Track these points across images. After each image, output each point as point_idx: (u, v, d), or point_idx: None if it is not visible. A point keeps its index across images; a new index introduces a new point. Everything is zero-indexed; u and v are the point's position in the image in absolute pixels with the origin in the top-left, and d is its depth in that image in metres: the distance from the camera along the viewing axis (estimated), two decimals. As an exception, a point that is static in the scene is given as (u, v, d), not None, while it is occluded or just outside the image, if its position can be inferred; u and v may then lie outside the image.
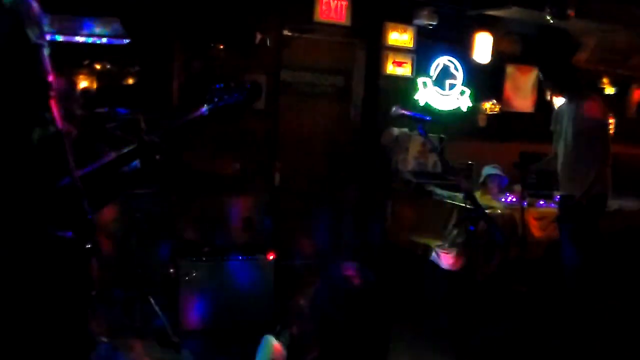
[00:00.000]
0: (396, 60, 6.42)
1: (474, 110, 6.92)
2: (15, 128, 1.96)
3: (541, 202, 5.68)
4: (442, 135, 6.13)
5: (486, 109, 7.01)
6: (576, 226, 4.79)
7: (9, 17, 1.92)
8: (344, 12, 6.07)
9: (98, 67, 5.19)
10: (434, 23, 6.31)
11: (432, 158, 6.17)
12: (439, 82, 6.66)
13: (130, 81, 5.30)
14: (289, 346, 2.99)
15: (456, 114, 6.75)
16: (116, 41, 4.97)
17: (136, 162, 2.24)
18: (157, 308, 4.26)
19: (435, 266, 5.34)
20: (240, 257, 4.71)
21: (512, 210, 5.31)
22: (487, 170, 5.91)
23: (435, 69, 6.64)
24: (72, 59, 4.99)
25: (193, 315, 4.47)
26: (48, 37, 2.10)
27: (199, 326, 4.49)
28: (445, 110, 6.69)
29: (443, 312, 4.97)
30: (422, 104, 6.54)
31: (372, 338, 2.52)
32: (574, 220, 4.80)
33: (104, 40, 4.93)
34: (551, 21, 6.13)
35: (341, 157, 6.36)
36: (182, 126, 2.24)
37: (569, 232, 4.85)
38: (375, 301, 2.41)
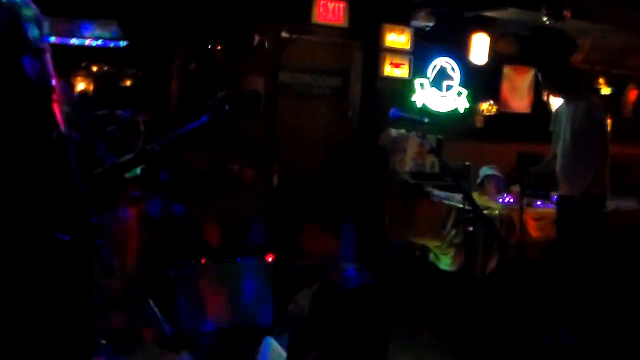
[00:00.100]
0: (393, 61, 6.44)
1: (471, 111, 6.95)
2: (18, 132, 1.97)
3: (538, 203, 5.69)
4: (440, 136, 6.15)
5: (483, 109, 7.04)
6: (576, 226, 4.80)
7: (7, 16, 1.93)
8: (341, 13, 6.08)
9: (96, 69, 5.20)
10: (431, 24, 6.34)
11: (430, 159, 6.19)
12: (436, 83, 6.68)
13: (129, 83, 5.30)
14: (288, 347, 3.01)
15: (453, 115, 6.78)
16: (114, 43, 4.98)
17: (137, 169, 2.26)
18: (156, 310, 4.27)
19: (434, 267, 5.36)
20: (239, 259, 4.71)
21: (510, 211, 5.33)
22: (485, 171, 5.93)
23: (432, 70, 6.66)
24: (70, 61, 5.00)
25: (192, 317, 4.47)
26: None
27: (198, 328, 4.49)
28: (442, 112, 6.72)
29: (442, 313, 4.99)
30: (419, 105, 6.56)
31: (371, 338, 2.53)
32: (574, 220, 4.81)
33: (102, 42, 4.94)
34: (547, 22, 6.15)
35: (339, 158, 6.38)
36: (184, 135, 2.26)
37: (568, 232, 4.87)
38: (374, 302, 2.43)
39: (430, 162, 6.23)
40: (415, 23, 6.37)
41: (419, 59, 6.57)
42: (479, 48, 6.65)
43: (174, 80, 5.45)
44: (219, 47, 5.53)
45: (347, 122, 6.49)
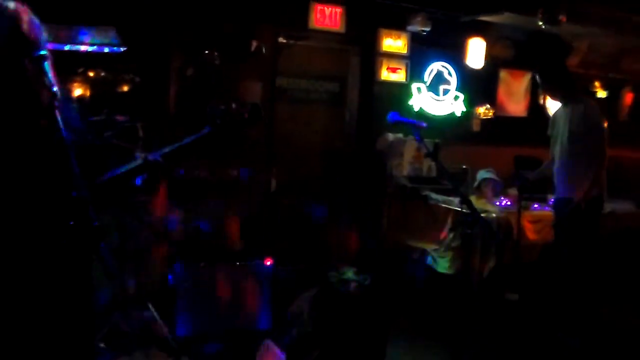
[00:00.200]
0: (390, 66, 6.47)
1: (468, 115, 6.98)
2: (20, 137, 1.99)
3: (535, 206, 5.72)
4: (437, 140, 6.17)
5: (480, 113, 7.08)
6: (574, 229, 4.82)
7: (8, 22, 1.95)
8: (338, 19, 6.11)
9: (95, 75, 5.22)
10: (428, 29, 6.36)
11: (427, 163, 6.22)
12: (433, 87, 6.72)
13: (127, 89, 5.32)
14: (287, 349, 3.03)
15: (450, 119, 6.81)
16: (112, 49, 5.00)
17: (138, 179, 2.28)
18: (155, 314, 4.28)
19: (432, 270, 5.38)
20: (238, 263, 4.73)
21: (507, 214, 5.35)
22: (482, 174, 5.96)
23: (429, 75, 6.70)
24: (69, 67, 5.02)
25: (191, 320, 4.48)
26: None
27: (197, 331, 4.50)
28: (439, 116, 6.75)
29: (440, 316, 5.01)
30: (416, 109, 6.59)
31: (370, 340, 2.56)
32: (572, 223, 4.83)
33: (100, 48, 4.96)
34: (543, 26, 6.19)
35: (337, 162, 6.40)
36: (185, 147, 2.28)
37: (567, 235, 4.88)
38: (373, 304, 2.45)
39: (427, 166, 6.25)
40: (411, 28, 6.40)
41: (415, 63, 6.60)
42: (475, 52, 6.68)
43: (172, 86, 5.47)
44: (216, 53, 5.56)
45: (345, 126, 6.52)
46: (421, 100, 6.63)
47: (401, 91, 6.56)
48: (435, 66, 6.73)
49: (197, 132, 2.41)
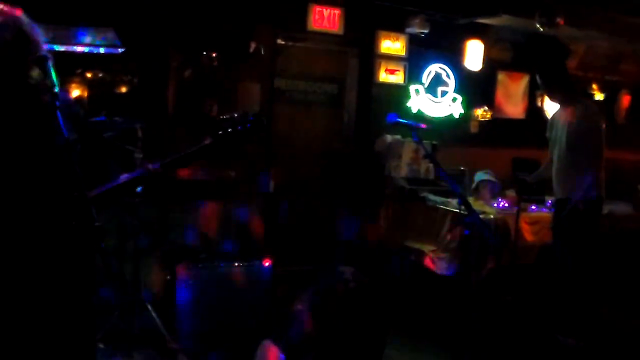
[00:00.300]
0: (389, 68, 6.49)
1: (466, 117, 7.00)
2: (22, 139, 2.00)
3: (533, 207, 5.74)
4: (435, 142, 6.19)
5: (478, 115, 7.10)
6: (573, 230, 4.84)
7: (15, 29, 1.97)
8: (336, 21, 6.13)
9: (93, 76, 5.23)
10: (426, 31, 6.37)
11: (425, 164, 6.23)
12: (431, 89, 6.74)
13: (126, 90, 5.33)
14: (286, 349, 3.03)
15: (448, 120, 6.83)
16: (110, 50, 5.01)
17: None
18: (154, 314, 4.29)
19: (430, 271, 5.39)
20: (237, 263, 4.74)
21: (505, 215, 5.37)
22: (480, 176, 5.97)
23: (427, 77, 6.71)
24: (67, 68, 5.02)
25: (190, 321, 4.49)
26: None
27: (196, 332, 4.51)
28: (437, 117, 6.77)
29: (438, 317, 5.02)
30: (414, 111, 6.60)
31: (368, 340, 2.56)
32: (572, 224, 4.84)
33: (100, 49, 4.97)
34: (541, 29, 6.21)
35: (335, 164, 6.42)
36: (186, 157, 2.28)
37: (566, 236, 4.90)
38: (371, 304, 2.46)
39: (425, 168, 6.27)
40: (410, 30, 6.41)
41: (414, 65, 6.62)
42: (474, 54, 6.70)
43: (171, 87, 5.49)
44: (215, 54, 5.57)
45: (343, 128, 6.53)
46: (419, 102, 6.65)
47: (399, 93, 6.58)
48: (434, 68, 6.75)
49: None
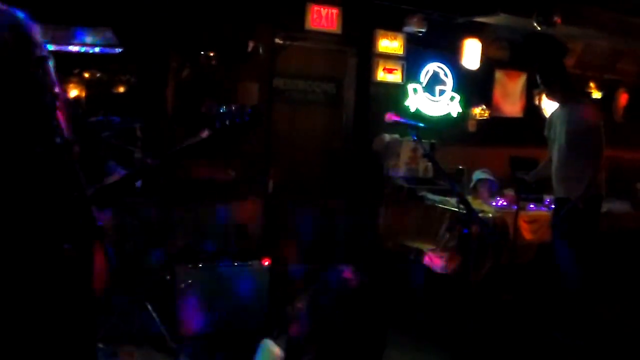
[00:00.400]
0: (387, 67, 6.49)
1: (464, 116, 7.01)
2: (23, 139, 2.00)
3: (531, 206, 5.75)
4: (433, 141, 6.19)
5: (476, 114, 7.10)
6: (573, 229, 4.84)
7: (16, 29, 1.97)
8: (334, 20, 6.13)
9: (92, 76, 5.22)
10: (424, 30, 6.38)
11: (423, 163, 6.23)
12: (429, 88, 6.74)
13: (124, 90, 5.33)
14: (286, 348, 3.03)
15: (446, 119, 6.83)
16: (109, 50, 5.01)
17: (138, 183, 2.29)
18: (154, 314, 4.29)
19: (429, 270, 5.40)
20: (236, 263, 4.74)
21: (503, 214, 5.38)
22: (478, 174, 5.99)
23: (425, 76, 6.72)
24: (65, 68, 5.02)
25: (189, 321, 4.49)
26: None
27: (196, 332, 4.51)
28: (435, 116, 6.77)
29: (437, 316, 5.03)
30: (412, 110, 6.61)
31: (368, 339, 2.56)
32: (571, 223, 4.85)
33: (97, 49, 4.97)
34: (539, 28, 6.22)
35: (334, 163, 6.42)
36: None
37: (565, 235, 4.91)
38: (371, 303, 2.46)
39: (424, 167, 6.27)
40: (407, 29, 6.42)
41: (412, 64, 6.62)
42: (471, 53, 6.71)
43: (169, 87, 5.48)
44: (213, 54, 5.57)
45: (342, 127, 6.53)
46: (417, 101, 6.65)
47: (397, 92, 6.58)
48: (431, 67, 6.75)
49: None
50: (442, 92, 6.82)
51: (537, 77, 5.21)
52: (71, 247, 1.87)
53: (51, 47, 4.44)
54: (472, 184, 5.99)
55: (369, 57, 6.44)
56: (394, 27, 6.45)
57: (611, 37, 7.10)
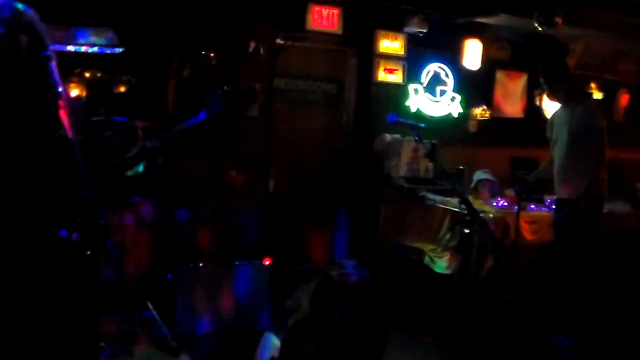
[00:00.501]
0: (387, 67, 6.50)
1: (464, 116, 7.01)
2: (27, 137, 2.01)
3: (532, 206, 5.75)
4: (434, 141, 6.18)
5: (477, 114, 7.10)
6: (574, 229, 4.84)
7: (28, 32, 1.98)
8: (335, 20, 6.13)
9: (93, 76, 5.23)
10: (425, 30, 6.39)
11: (424, 163, 6.24)
12: (430, 88, 6.74)
13: (126, 89, 5.34)
14: (284, 340, 3.03)
15: (447, 120, 6.84)
16: (110, 50, 5.01)
17: (140, 167, 2.30)
18: (155, 313, 4.30)
19: (429, 270, 5.40)
20: (237, 263, 4.75)
21: (504, 215, 5.38)
22: (479, 175, 5.99)
23: (426, 76, 6.72)
24: (67, 68, 5.03)
25: (191, 320, 4.50)
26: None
27: (197, 331, 4.52)
28: (436, 117, 6.77)
29: (438, 315, 5.03)
30: (413, 110, 6.61)
31: (369, 333, 2.57)
32: (572, 223, 4.85)
33: (98, 49, 4.97)
34: (539, 28, 6.22)
35: (334, 163, 6.43)
36: (183, 132, 2.30)
37: (566, 235, 4.91)
38: (372, 297, 2.47)
39: (425, 167, 6.28)
40: (408, 29, 6.42)
41: (412, 64, 6.62)
42: (472, 54, 6.72)
43: (170, 86, 5.49)
44: (214, 54, 5.58)
45: (342, 127, 6.54)
46: (418, 101, 6.66)
47: (398, 92, 6.58)
48: (432, 67, 6.75)
49: (193, 115, 2.43)
50: (443, 92, 6.82)
51: (540, 77, 5.20)
52: (72, 237, 1.87)
53: (53, 47, 4.46)
54: (473, 185, 6.00)
55: (369, 58, 6.44)
56: (394, 27, 6.46)
57: (612, 38, 7.10)
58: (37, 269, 1.99)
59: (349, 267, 2.33)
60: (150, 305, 4.32)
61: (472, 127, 7.14)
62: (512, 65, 7.35)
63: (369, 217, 6.19)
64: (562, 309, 4.97)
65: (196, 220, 5.29)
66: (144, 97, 5.34)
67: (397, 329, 4.67)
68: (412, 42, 6.55)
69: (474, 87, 7.00)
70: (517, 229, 5.20)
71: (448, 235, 5.36)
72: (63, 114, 1.94)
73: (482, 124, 7.15)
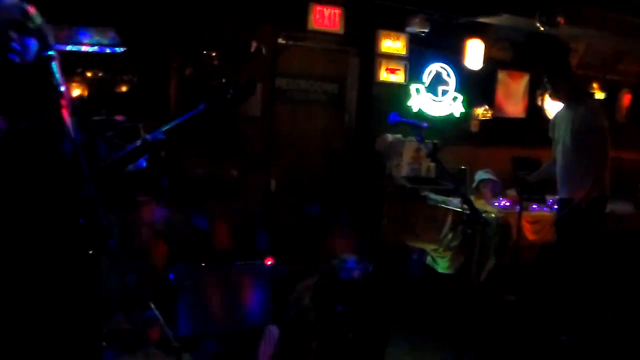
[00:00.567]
0: (389, 67, 6.49)
1: (466, 116, 7.01)
2: (30, 137, 2.01)
3: (534, 206, 5.75)
4: (435, 141, 6.16)
5: (478, 114, 7.10)
6: (576, 229, 4.84)
7: (37, 37, 1.99)
8: (337, 20, 6.13)
9: (95, 75, 5.23)
10: (426, 30, 6.38)
11: (426, 163, 6.24)
12: (432, 88, 6.74)
13: (127, 89, 5.33)
14: (285, 333, 3.02)
15: (449, 119, 6.83)
16: (112, 50, 5.02)
17: (142, 162, 2.29)
18: (156, 313, 4.29)
19: (431, 270, 5.40)
20: (238, 263, 4.74)
21: (506, 215, 5.38)
22: (480, 175, 5.98)
23: (428, 76, 6.72)
24: (69, 67, 5.02)
25: (192, 320, 4.49)
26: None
27: (198, 331, 4.51)
28: (438, 116, 6.77)
29: (440, 315, 5.02)
30: (415, 110, 6.61)
31: (371, 329, 2.56)
32: (574, 223, 4.84)
33: (100, 48, 4.97)
34: (541, 28, 6.22)
35: (336, 163, 6.43)
36: (183, 123, 2.30)
37: (568, 235, 4.90)
38: (374, 292, 2.47)
39: (426, 167, 6.28)
40: (410, 29, 6.42)
41: (414, 64, 6.62)
42: (474, 53, 6.71)
43: (172, 86, 5.49)
44: (216, 53, 5.57)
45: (344, 127, 6.53)
46: (420, 101, 6.66)
47: (400, 92, 6.58)
48: (434, 67, 6.75)
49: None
50: (444, 92, 6.82)
51: (545, 78, 5.18)
52: (77, 242, 1.87)
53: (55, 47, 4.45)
54: (474, 184, 5.99)
55: (371, 57, 6.44)
56: (396, 27, 6.46)
57: (613, 38, 7.09)
58: (39, 268, 1.99)
59: (350, 261, 2.33)
60: (152, 305, 4.31)
61: (473, 127, 7.14)
62: (514, 65, 7.35)
63: (371, 217, 6.19)
64: (565, 309, 4.97)
65: (197, 219, 5.29)
66: (146, 96, 5.34)
67: (399, 328, 4.67)
68: (414, 42, 6.55)
69: (475, 87, 7.00)
70: (519, 229, 5.19)
71: (450, 235, 5.36)
72: (65, 113, 1.94)
73: (484, 124, 7.15)
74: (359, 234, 6.22)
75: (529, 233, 5.42)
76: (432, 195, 5.81)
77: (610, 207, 5.62)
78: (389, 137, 6.27)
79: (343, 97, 6.54)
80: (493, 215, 5.35)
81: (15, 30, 2.00)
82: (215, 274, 4.63)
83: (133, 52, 5.11)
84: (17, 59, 2.00)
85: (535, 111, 7.55)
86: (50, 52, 2.03)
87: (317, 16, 6.04)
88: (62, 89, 1.97)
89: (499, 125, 7.24)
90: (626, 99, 8.37)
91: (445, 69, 6.80)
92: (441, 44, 6.71)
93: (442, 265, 5.32)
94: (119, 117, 4.47)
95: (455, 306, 4.70)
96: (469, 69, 6.78)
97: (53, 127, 1.95)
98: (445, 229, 5.43)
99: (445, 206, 5.54)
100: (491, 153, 6.78)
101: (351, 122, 6.54)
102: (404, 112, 6.30)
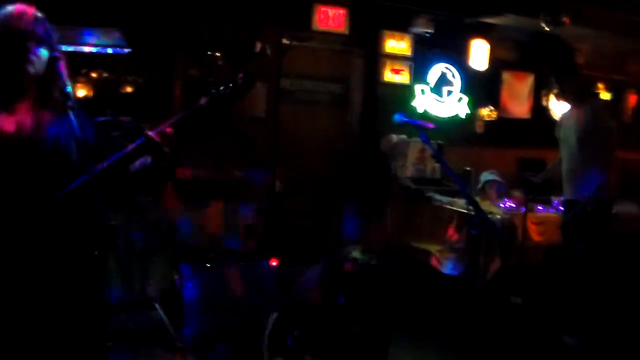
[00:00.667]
0: (394, 67, 6.49)
1: (471, 117, 7.00)
2: (36, 137, 2.01)
3: (540, 207, 5.73)
4: (440, 142, 6.18)
5: (483, 115, 7.09)
6: (582, 231, 4.82)
7: (47, 45, 1.99)
8: (342, 20, 6.13)
9: (100, 76, 5.24)
10: (431, 31, 6.38)
11: (431, 164, 6.23)
12: (437, 89, 6.73)
13: (133, 90, 5.35)
14: (277, 319, 3.00)
15: (454, 120, 6.82)
16: (117, 50, 5.03)
17: (147, 159, 2.28)
18: (162, 313, 4.30)
19: (436, 271, 5.38)
20: (244, 263, 4.74)
21: (512, 216, 5.36)
22: (486, 176, 5.96)
23: (432, 76, 6.71)
24: (74, 68, 5.03)
25: (198, 320, 4.49)
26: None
27: (203, 331, 4.51)
28: (443, 117, 6.76)
29: (445, 316, 5.01)
30: (420, 110, 6.60)
31: (374, 321, 2.56)
32: (580, 225, 4.83)
33: (106, 50, 4.98)
34: (547, 28, 6.20)
35: (341, 163, 6.42)
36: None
37: (575, 237, 4.88)
38: (378, 285, 2.46)
39: (431, 168, 6.27)
40: (415, 29, 6.42)
41: (419, 65, 6.62)
42: (479, 54, 6.70)
43: (177, 87, 5.50)
44: (220, 54, 5.58)
45: (349, 127, 6.53)
46: (425, 101, 6.65)
47: (405, 93, 6.57)
48: (439, 68, 6.74)
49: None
50: (449, 93, 6.81)
51: (553, 78, 5.16)
52: (85, 243, 1.87)
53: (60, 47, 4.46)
54: (479, 185, 5.97)
55: (376, 58, 6.44)
56: (401, 27, 6.46)
57: (618, 38, 7.07)
58: (46, 269, 1.99)
59: (354, 253, 2.33)
60: (157, 305, 4.32)
61: (478, 128, 7.13)
62: (519, 65, 7.34)
63: (376, 218, 6.18)
64: (570, 311, 4.95)
65: (202, 220, 5.29)
66: (151, 97, 5.35)
67: (404, 329, 4.66)
68: (419, 43, 6.55)
69: (480, 88, 6.99)
70: (525, 230, 5.18)
71: (455, 236, 5.34)
72: (71, 114, 1.94)
73: (489, 124, 7.14)
74: (364, 235, 6.22)
75: (535, 234, 5.40)
76: (437, 196, 5.80)
77: (615, 208, 5.60)
78: (394, 137, 6.27)
79: (348, 98, 6.54)
80: (498, 216, 5.33)
81: (33, 41, 2.01)
82: (221, 275, 4.63)
83: (138, 52, 5.12)
84: (32, 70, 2.02)
85: (540, 112, 7.53)
86: (56, 53, 2.03)
87: (322, 17, 6.04)
88: (69, 89, 1.97)
89: (504, 126, 7.22)
90: (632, 99, 8.35)
91: (450, 70, 6.79)
92: (446, 45, 6.70)
93: (447, 267, 5.30)
94: (124, 118, 4.46)
95: (460, 307, 4.69)
96: (474, 70, 6.77)
97: (59, 127, 1.96)
98: (450, 230, 5.41)
99: (451, 207, 5.53)
100: (496, 154, 6.76)
101: (356, 123, 6.54)
102: (409, 113, 6.28)
